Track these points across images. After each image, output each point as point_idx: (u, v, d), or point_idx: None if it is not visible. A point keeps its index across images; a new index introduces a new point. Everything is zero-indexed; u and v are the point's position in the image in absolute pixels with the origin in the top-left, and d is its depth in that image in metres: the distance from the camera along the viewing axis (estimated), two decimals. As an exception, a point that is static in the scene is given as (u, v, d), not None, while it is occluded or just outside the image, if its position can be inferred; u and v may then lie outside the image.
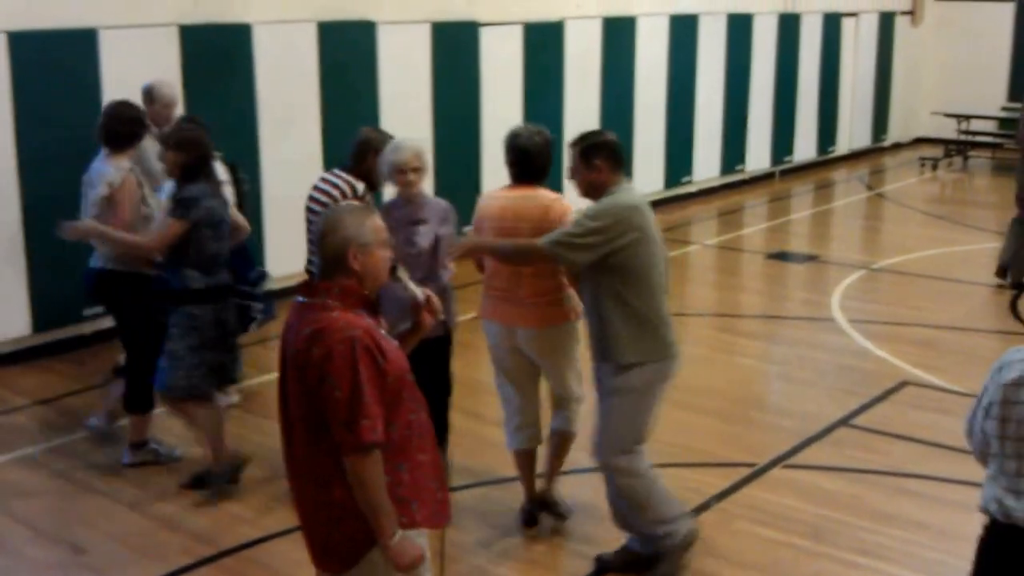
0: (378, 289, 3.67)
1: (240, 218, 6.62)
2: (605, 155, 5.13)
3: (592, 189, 5.17)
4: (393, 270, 3.75)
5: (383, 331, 3.60)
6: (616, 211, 5.01)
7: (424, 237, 5.69)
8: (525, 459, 5.80)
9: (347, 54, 10.30)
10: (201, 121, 6.64)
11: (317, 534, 3.63)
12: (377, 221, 3.65)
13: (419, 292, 3.85)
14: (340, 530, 3.54)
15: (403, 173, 5.63)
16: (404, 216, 5.71)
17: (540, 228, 5.26)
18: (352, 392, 3.38)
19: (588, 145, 5.16)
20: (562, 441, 5.84)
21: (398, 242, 5.14)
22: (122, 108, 6.70)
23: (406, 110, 10.73)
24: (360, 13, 10.42)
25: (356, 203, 3.77)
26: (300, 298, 3.61)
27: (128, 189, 6.46)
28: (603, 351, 5.18)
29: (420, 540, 3.61)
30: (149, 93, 7.48)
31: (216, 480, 6.19)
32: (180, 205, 5.90)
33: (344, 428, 3.39)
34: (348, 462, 3.41)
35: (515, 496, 6.01)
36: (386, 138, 6.15)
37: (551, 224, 5.27)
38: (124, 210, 6.42)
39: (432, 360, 5.56)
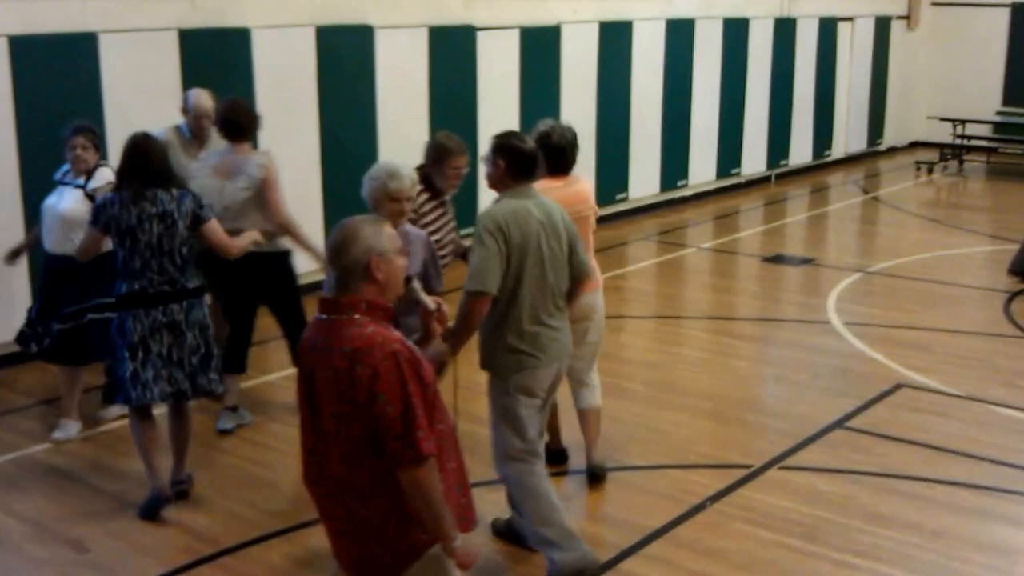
0: (395, 299, 3.69)
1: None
2: (508, 159, 5.24)
3: (491, 183, 5.40)
4: (408, 280, 3.78)
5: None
6: (493, 221, 5.12)
7: (412, 265, 5.65)
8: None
9: (345, 58, 10.34)
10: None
11: (354, 550, 3.64)
12: (391, 230, 3.67)
13: (430, 301, 3.91)
14: (380, 545, 3.56)
15: (398, 202, 5.37)
16: None
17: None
18: (405, 407, 3.42)
19: (498, 144, 5.30)
20: (592, 415, 6.38)
21: None
22: (241, 101, 7.24)
23: (403, 114, 10.79)
24: (358, 18, 10.47)
25: (367, 215, 3.74)
26: (323, 315, 3.59)
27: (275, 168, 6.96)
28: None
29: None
30: (186, 102, 7.58)
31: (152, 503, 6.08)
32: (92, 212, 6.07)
33: (402, 443, 3.42)
34: (407, 474, 3.43)
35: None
36: (461, 146, 6.33)
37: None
38: (276, 189, 6.91)
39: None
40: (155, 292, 5.80)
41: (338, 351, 3.46)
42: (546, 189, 5.64)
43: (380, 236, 3.59)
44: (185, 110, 7.53)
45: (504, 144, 5.27)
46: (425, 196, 6.24)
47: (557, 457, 6.53)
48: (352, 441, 3.49)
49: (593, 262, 5.97)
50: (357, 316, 3.50)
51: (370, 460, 3.48)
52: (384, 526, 3.54)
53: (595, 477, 6.38)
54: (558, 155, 6.15)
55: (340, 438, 3.50)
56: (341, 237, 3.59)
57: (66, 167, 6.92)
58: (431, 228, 6.14)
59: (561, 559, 5.19)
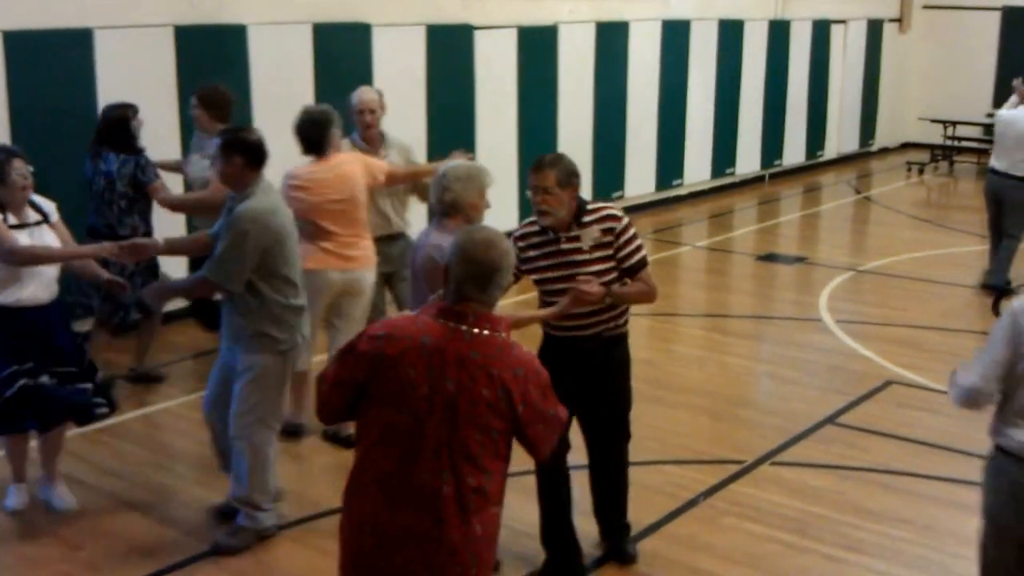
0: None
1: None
2: (242, 153, 5.43)
3: (227, 180, 5.53)
4: None
5: None
6: (255, 218, 5.38)
7: None
8: None
9: (342, 56, 10.36)
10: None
11: (458, 567, 3.47)
12: (508, 243, 3.64)
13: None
14: (484, 561, 3.54)
15: (484, 200, 5.38)
16: None
17: None
18: (560, 412, 3.57)
19: (228, 141, 5.48)
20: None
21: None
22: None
23: (400, 112, 10.80)
24: (355, 16, 10.50)
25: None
26: (454, 324, 3.45)
27: None
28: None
29: None
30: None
31: None
32: None
33: (556, 435, 3.57)
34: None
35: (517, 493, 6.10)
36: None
37: None
38: None
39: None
40: (97, 231, 7.18)
41: (490, 369, 3.40)
42: (311, 172, 6.51)
43: (506, 252, 3.56)
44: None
45: (235, 140, 5.47)
46: None
47: (296, 430, 7.01)
48: (488, 452, 3.47)
49: (367, 240, 6.84)
50: (505, 337, 3.49)
51: (493, 472, 3.50)
52: (481, 548, 3.54)
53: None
54: (309, 136, 6.75)
55: (477, 448, 3.44)
56: (483, 240, 3.53)
57: None
58: None
59: (265, 518, 5.70)
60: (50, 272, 5.73)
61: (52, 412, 5.80)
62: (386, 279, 7.37)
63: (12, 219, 5.56)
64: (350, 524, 3.56)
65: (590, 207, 5.16)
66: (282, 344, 5.54)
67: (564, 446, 5.24)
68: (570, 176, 5.05)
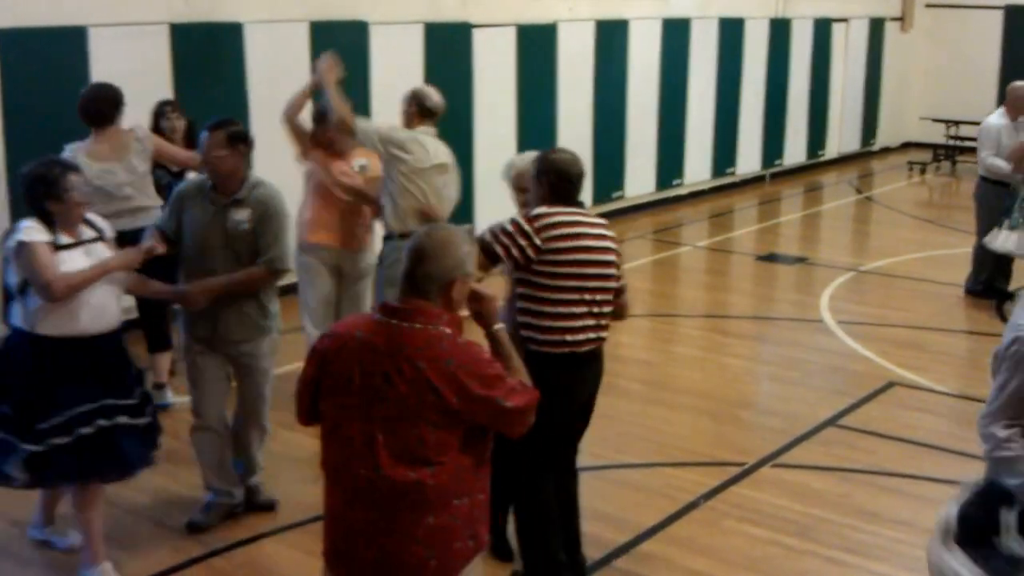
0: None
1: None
2: (246, 143, 5.60)
3: (235, 172, 5.59)
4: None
5: None
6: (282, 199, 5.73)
7: None
8: None
9: (339, 54, 10.27)
10: None
11: (411, 558, 3.49)
12: (475, 251, 3.66)
13: (482, 289, 3.81)
14: (446, 553, 3.51)
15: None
16: None
17: None
18: (516, 397, 3.50)
19: (235, 133, 5.57)
20: None
21: None
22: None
23: (398, 111, 10.72)
24: (352, 13, 10.44)
25: (461, 227, 3.71)
26: (388, 318, 3.48)
27: None
28: None
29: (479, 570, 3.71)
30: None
31: None
32: None
33: (524, 420, 3.56)
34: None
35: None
36: None
37: None
38: None
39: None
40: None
41: (428, 363, 3.39)
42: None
43: (470, 257, 3.56)
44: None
45: (240, 133, 5.63)
46: None
47: None
48: (439, 449, 3.45)
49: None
50: (444, 329, 3.46)
51: (463, 461, 3.50)
52: (447, 539, 3.52)
53: None
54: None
55: (422, 446, 3.42)
56: (436, 242, 3.51)
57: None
58: None
59: (239, 494, 5.97)
60: (101, 296, 5.10)
61: (103, 463, 5.17)
62: None
63: (65, 238, 5.03)
64: (325, 517, 3.69)
65: None
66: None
67: (552, 472, 5.18)
68: None
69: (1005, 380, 3.95)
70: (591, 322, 4.89)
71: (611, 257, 4.91)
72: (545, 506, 5.17)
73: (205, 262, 5.56)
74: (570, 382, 4.97)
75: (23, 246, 4.89)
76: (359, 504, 3.50)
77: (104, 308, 5.09)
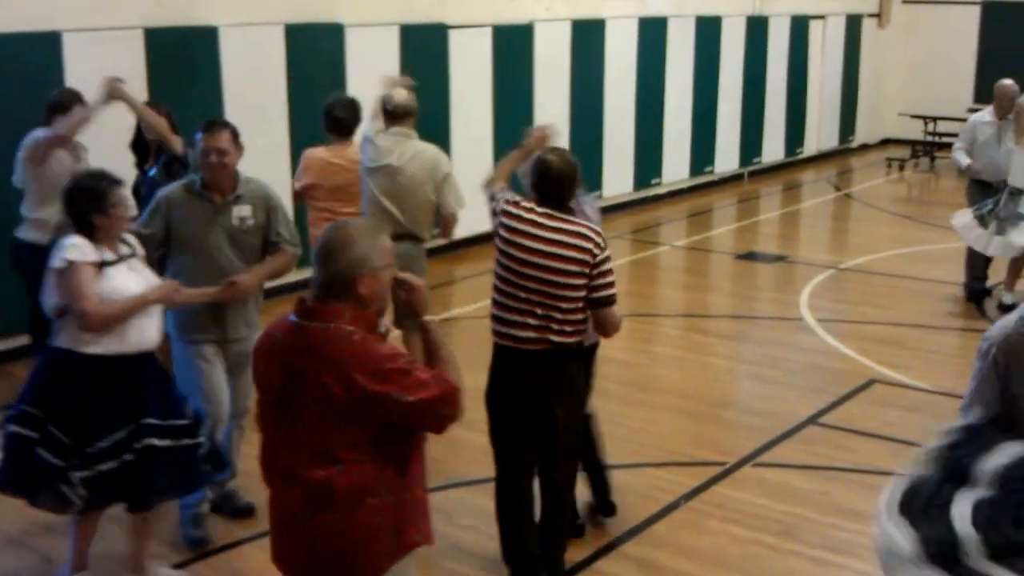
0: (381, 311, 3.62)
1: None
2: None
3: (232, 168, 5.66)
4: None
5: None
6: None
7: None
8: None
9: (315, 57, 10.27)
10: None
11: (332, 560, 3.52)
12: (386, 241, 3.55)
13: (410, 278, 3.76)
14: (371, 548, 3.50)
15: None
16: None
17: None
18: (424, 391, 3.43)
19: (235, 131, 5.66)
20: None
21: None
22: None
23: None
24: (328, 15, 10.40)
25: (366, 221, 3.67)
26: (300, 320, 3.48)
27: None
28: None
29: (412, 569, 3.66)
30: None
31: None
32: None
33: (438, 416, 3.52)
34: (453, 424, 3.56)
35: (487, 498, 6.02)
36: None
37: None
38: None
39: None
40: None
41: (329, 362, 3.38)
42: None
43: (376, 249, 3.48)
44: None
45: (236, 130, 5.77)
46: None
47: None
48: (350, 446, 3.42)
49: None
50: (346, 327, 3.41)
51: (371, 462, 3.45)
52: (367, 536, 3.49)
53: None
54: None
55: (341, 446, 3.42)
56: (335, 242, 3.48)
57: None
58: None
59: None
60: (147, 311, 5.03)
61: (156, 485, 5.03)
62: None
63: (110, 254, 4.92)
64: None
65: None
66: None
67: (523, 467, 5.19)
68: None
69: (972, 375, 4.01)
70: (534, 322, 4.92)
71: (560, 265, 4.85)
72: (502, 500, 5.26)
73: (212, 261, 5.56)
74: (509, 376, 5.06)
75: (69, 266, 4.78)
76: (281, 502, 3.59)
77: (150, 325, 5.05)
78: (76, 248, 4.80)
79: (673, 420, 7.43)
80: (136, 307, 4.92)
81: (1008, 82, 9.94)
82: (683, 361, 8.74)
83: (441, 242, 11.62)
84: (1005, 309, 9.07)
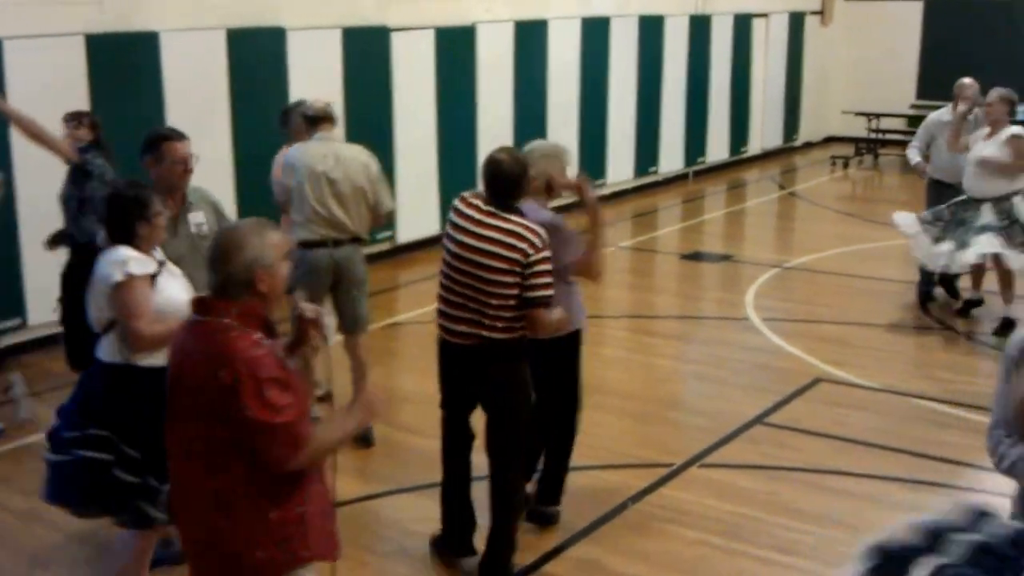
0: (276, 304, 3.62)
1: None
2: None
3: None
4: (290, 289, 3.70)
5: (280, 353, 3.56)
6: None
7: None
8: None
9: (257, 61, 10.19)
10: None
11: (214, 563, 3.53)
12: (276, 236, 3.57)
13: (309, 309, 3.78)
14: (249, 557, 3.46)
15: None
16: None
17: None
18: (268, 412, 3.34)
19: None
20: None
21: None
22: None
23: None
24: (269, 20, 10.32)
25: (254, 220, 3.61)
26: (196, 317, 3.54)
27: None
28: None
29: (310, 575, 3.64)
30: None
31: None
32: None
33: (272, 442, 3.37)
34: (292, 465, 3.42)
35: (432, 502, 6.01)
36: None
37: None
38: None
39: (559, 361, 5.79)
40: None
41: (202, 357, 3.41)
42: None
43: (267, 247, 3.50)
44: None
45: None
46: None
47: None
48: (214, 450, 3.42)
49: None
50: (227, 321, 3.42)
51: (236, 471, 3.42)
52: (250, 541, 3.45)
53: None
54: None
55: (204, 451, 3.43)
56: (226, 244, 3.51)
57: None
58: None
59: None
60: None
61: None
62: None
63: (152, 263, 4.77)
64: None
65: None
66: None
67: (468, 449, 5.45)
68: None
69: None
70: (467, 316, 5.05)
71: (490, 262, 4.93)
72: (445, 483, 5.53)
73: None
74: (449, 369, 5.28)
75: (129, 280, 4.60)
76: (175, 502, 3.64)
77: None
78: (135, 261, 4.64)
79: (619, 422, 7.43)
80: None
81: (968, 81, 9.59)
82: (629, 362, 8.75)
83: (385, 247, 11.66)
84: (1009, 325, 8.81)
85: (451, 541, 5.55)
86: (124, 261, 4.60)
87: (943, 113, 9.84)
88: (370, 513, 6.16)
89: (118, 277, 4.57)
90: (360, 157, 6.93)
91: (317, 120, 6.96)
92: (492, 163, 5.08)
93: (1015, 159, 8.79)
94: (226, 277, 3.47)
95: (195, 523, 3.54)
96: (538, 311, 5.01)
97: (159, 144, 5.54)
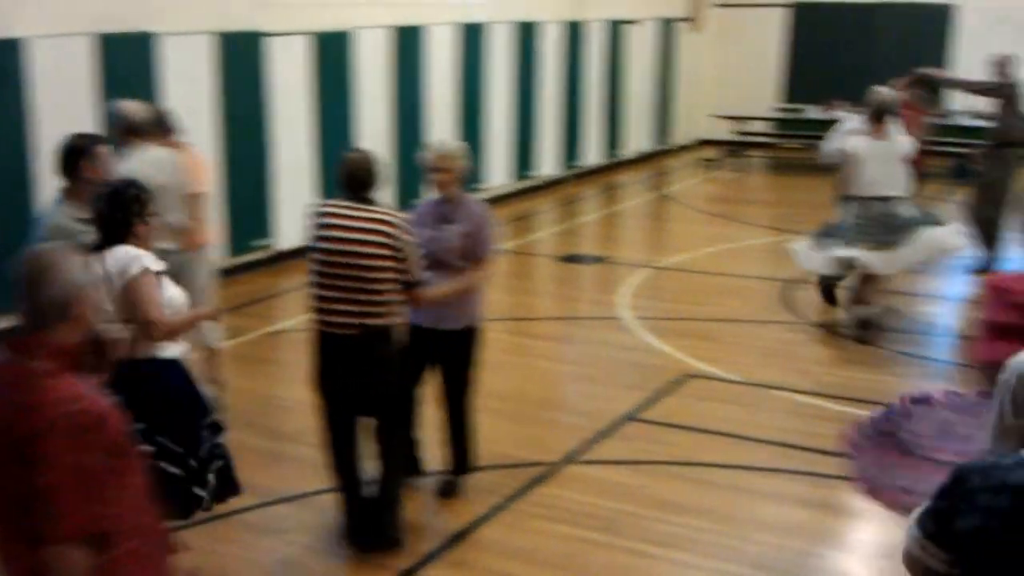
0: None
1: None
2: None
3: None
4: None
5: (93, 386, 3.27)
6: None
7: (452, 235, 6.01)
8: None
9: (127, 67, 10.04)
10: None
11: None
12: (80, 259, 3.29)
13: (113, 330, 3.72)
14: None
15: (428, 172, 6.06)
16: (437, 213, 6.09)
17: None
18: (61, 480, 3.00)
19: None
20: None
21: (428, 237, 5.86)
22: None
23: (191, 123, 10.50)
24: (138, 25, 10.18)
25: (56, 243, 3.48)
26: (7, 356, 3.17)
27: None
28: None
29: None
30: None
31: None
32: None
33: (44, 516, 3.00)
34: (48, 553, 3.01)
35: (313, 511, 6.03)
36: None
37: None
38: None
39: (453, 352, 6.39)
40: None
41: (10, 401, 3.08)
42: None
43: (78, 268, 3.22)
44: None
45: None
46: None
47: None
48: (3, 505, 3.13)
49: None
50: (41, 363, 3.09)
51: (26, 532, 3.06)
52: None
53: None
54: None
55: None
56: (37, 270, 3.16)
57: None
58: None
59: None
60: None
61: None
62: None
63: (159, 261, 4.83)
64: None
65: None
66: None
67: (352, 438, 5.73)
68: None
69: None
70: (347, 307, 5.40)
71: (369, 249, 5.33)
72: (338, 471, 5.78)
73: None
74: (329, 360, 5.52)
75: (144, 274, 4.67)
76: None
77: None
78: (147, 256, 4.74)
79: (495, 423, 7.48)
80: (192, 321, 5.14)
81: (883, 90, 9.22)
82: (507, 365, 8.82)
83: (262, 255, 11.59)
84: (866, 325, 9.12)
85: (361, 528, 5.76)
86: (138, 256, 4.72)
87: (854, 123, 9.46)
88: (248, 525, 6.08)
89: (136, 271, 4.67)
90: (173, 159, 7.13)
91: (143, 130, 6.95)
92: (346, 161, 5.54)
93: None
94: (47, 302, 3.14)
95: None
96: (417, 289, 5.53)
97: (92, 148, 5.72)
